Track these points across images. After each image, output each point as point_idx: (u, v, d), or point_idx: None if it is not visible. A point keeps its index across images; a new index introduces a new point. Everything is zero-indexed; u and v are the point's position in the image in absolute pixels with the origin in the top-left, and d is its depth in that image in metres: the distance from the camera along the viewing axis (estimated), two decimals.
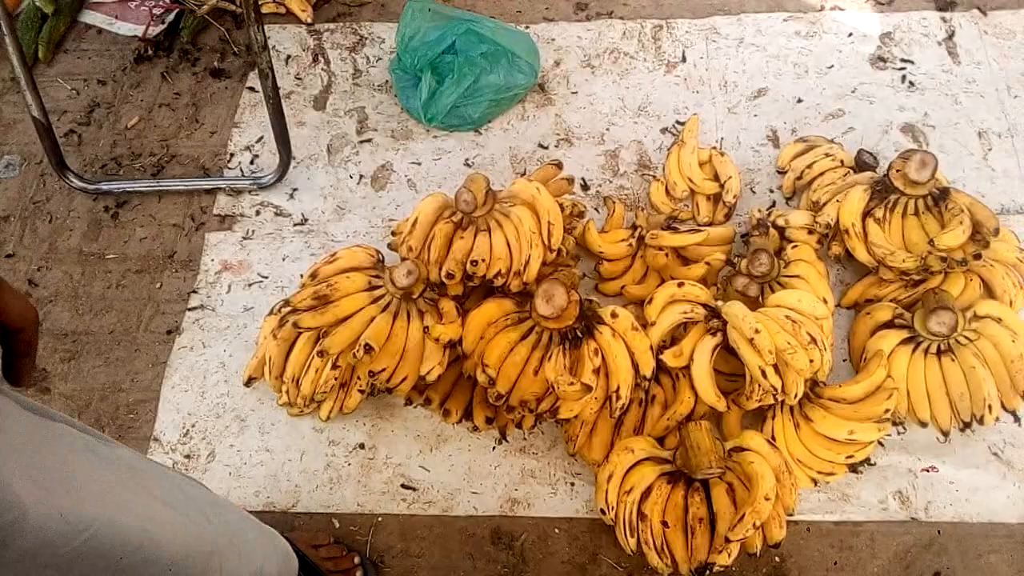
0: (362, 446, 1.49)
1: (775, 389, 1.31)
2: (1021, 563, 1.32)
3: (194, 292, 1.68)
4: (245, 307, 1.65)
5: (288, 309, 1.41)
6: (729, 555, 1.26)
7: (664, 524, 1.29)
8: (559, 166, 1.57)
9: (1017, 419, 1.41)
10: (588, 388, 1.27)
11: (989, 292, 1.45)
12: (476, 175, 1.44)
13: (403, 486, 1.45)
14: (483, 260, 1.38)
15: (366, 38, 1.97)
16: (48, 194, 1.83)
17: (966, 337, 1.38)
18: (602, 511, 1.33)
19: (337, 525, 1.43)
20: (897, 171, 1.45)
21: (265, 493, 1.46)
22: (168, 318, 1.66)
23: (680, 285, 1.41)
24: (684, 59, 1.88)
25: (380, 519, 1.43)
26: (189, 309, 1.66)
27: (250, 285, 1.68)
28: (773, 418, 1.38)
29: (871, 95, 1.79)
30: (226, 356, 1.60)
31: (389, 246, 1.54)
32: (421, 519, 1.42)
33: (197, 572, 0.75)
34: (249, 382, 1.51)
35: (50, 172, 1.81)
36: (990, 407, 1.34)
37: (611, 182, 1.74)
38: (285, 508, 1.45)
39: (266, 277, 1.68)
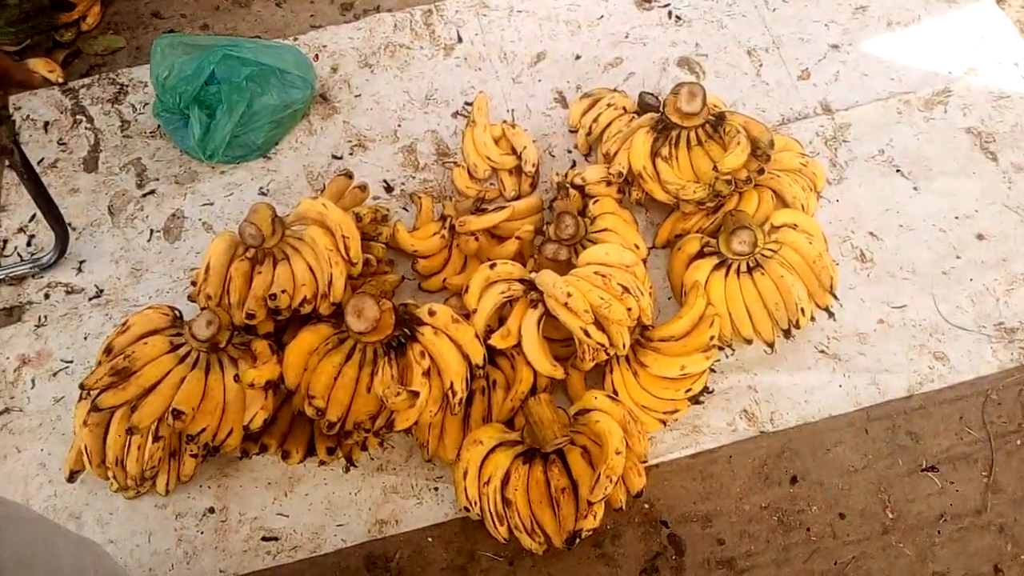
0: (212, 510, 1.40)
1: (602, 345, 1.31)
2: (865, 446, 1.39)
3: None
4: (55, 398, 1.52)
5: (86, 391, 1.30)
6: (595, 517, 1.26)
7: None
8: (349, 176, 1.52)
9: (831, 314, 1.47)
10: (415, 395, 1.23)
11: (782, 201, 1.50)
12: (257, 205, 1.37)
13: (264, 539, 1.38)
14: (283, 291, 1.32)
15: (127, 86, 1.84)
16: None
17: (769, 249, 1.43)
18: (466, 508, 1.31)
19: None
20: (671, 106, 1.48)
21: None
22: None
23: (492, 266, 1.39)
24: (460, 39, 1.86)
25: None
26: None
27: (55, 374, 1.54)
28: (611, 372, 1.39)
29: (643, 37, 1.83)
30: (44, 455, 1.47)
31: (189, 298, 1.45)
32: (290, 567, 1.36)
33: None
34: (72, 477, 1.39)
35: None
36: (802, 310, 1.39)
37: (414, 178, 1.70)
38: None
39: (70, 362, 1.55)
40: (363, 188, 1.53)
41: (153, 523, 1.39)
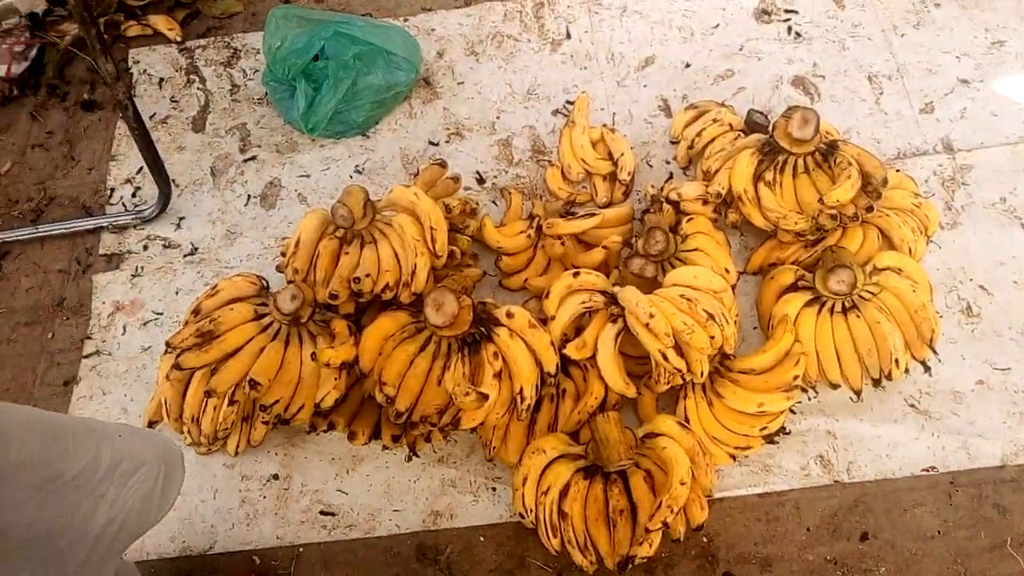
0: (276, 477, 1.44)
1: (680, 370, 1.28)
2: (946, 512, 1.32)
3: (88, 338, 1.60)
4: (143, 347, 1.58)
5: (172, 350, 1.34)
6: (651, 545, 1.24)
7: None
8: (443, 165, 1.52)
9: (927, 368, 1.39)
10: (484, 397, 1.23)
11: (888, 242, 1.43)
12: (352, 188, 1.38)
13: (322, 512, 1.40)
14: (367, 276, 1.33)
15: (240, 50, 1.88)
16: None
17: (869, 292, 1.36)
18: (521, 515, 1.30)
19: (258, 561, 1.38)
20: (780, 130, 1.42)
21: (181, 538, 1.41)
22: (64, 368, 1.59)
23: (576, 275, 1.36)
24: (568, 35, 1.83)
25: (301, 550, 1.38)
26: (85, 357, 1.58)
27: (145, 324, 1.60)
28: (685, 398, 1.35)
29: (759, 51, 1.76)
30: (127, 401, 1.53)
31: (277, 268, 1.48)
32: (343, 544, 1.38)
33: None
34: (151, 426, 1.45)
35: None
36: (896, 361, 1.32)
37: (507, 172, 1.69)
38: (203, 551, 1.39)
39: (161, 314, 1.61)
40: (456, 179, 1.52)
41: (220, 481, 1.44)
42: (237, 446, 1.42)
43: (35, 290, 1.67)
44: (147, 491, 0.85)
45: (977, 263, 1.49)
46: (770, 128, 1.48)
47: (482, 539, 1.37)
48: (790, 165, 1.43)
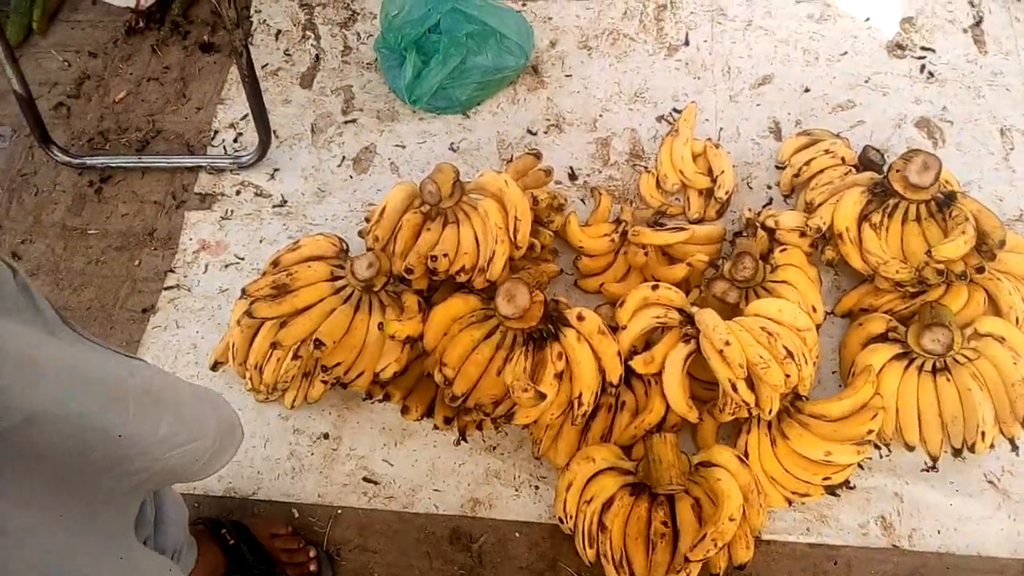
0: (326, 436, 1.45)
1: (748, 404, 1.22)
2: None
3: (171, 271, 1.65)
4: (220, 288, 1.62)
5: (246, 296, 1.37)
6: (688, 575, 1.20)
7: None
8: (538, 156, 1.49)
9: (1015, 447, 1.30)
10: (542, 396, 1.21)
11: (994, 307, 1.33)
12: (443, 165, 1.37)
13: (365, 479, 1.41)
14: (445, 255, 1.32)
15: (358, 13, 1.90)
16: (36, 167, 1.82)
17: (964, 356, 1.28)
18: (560, 520, 1.28)
19: (296, 515, 1.41)
20: (897, 172, 1.34)
21: (227, 478, 1.44)
22: (144, 296, 1.64)
23: (654, 288, 1.33)
24: (687, 42, 1.77)
25: (339, 511, 1.40)
26: (165, 288, 1.63)
27: (226, 266, 1.64)
28: (748, 432, 1.30)
29: (886, 86, 1.67)
30: (198, 338, 1.57)
31: (359, 233, 1.49)
32: (381, 514, 1.39)
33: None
34: (215, 366, 1.48)
35: (37, 145, 1.79)
36: (983, 434, 1.24)
37: (600, 172, 1.66)
38: (246, 495, 1.42)
39: (242, 259, 1.64)
40: (548, 172, 1.50)
41: (273, 431, 1.47)
42: (294, 400, 1.44)
43: (130, 217, 1.73)
44: (192, 459, 0.84)
45: None
46: (885, 168, 1.40)
47: (517, 535, 1.35)
48: (900, 210, 1.35)
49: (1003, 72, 1.66)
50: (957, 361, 1.28)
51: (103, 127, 1.85)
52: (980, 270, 1.27)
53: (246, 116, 1.81)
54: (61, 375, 0.66)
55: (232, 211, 1.70)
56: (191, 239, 1.68)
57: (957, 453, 1.27)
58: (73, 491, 0.72)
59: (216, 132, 1.81)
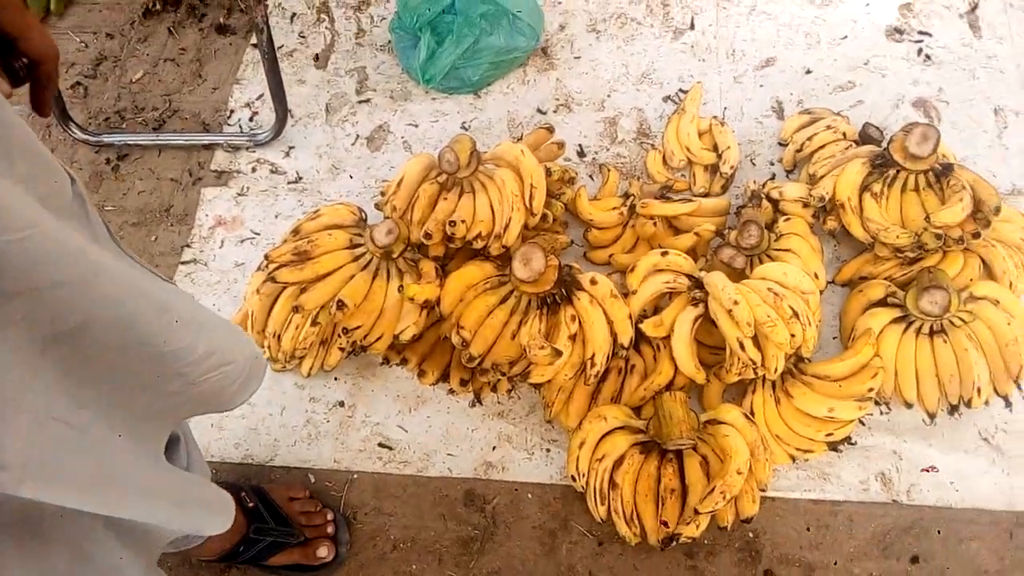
0: (342, 404, 1.49)
1: (754, 363, 1.27)
2: (1005, 551, 1.28)
3: (187, 246, 1.69)
4: (236, 263, 1.66)
5: (267, 263, 1.41)
6: (697, 527, 1.24)
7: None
8: (550, 130, 1.54)
9: (1009, 404, 1.35)
10: (558, 353, 1.25)
11: (989, 273, 1.39)
12: (461, 136, 1.42)
13: (380, 445, 1.45)
14: (462, 221, 1.37)
15: None
16: (53, 144, 1.85)
17: (960, 319, 1.33)
18: (573, 478, 1.32)
19: (313, 480, 1.44)
20: (898, 144, 1.39)
21: (244, 446, 1.48)
22: (161, 271, 1.61)
23: (664, 254, 1.38)
24: (692, 26, 1.83)
25: (355, 476, 1.43)
26: (182, 263, 1.67)
27: (242, 241, 1.68)
28: (753, 392, 1.35)
29: (884, 68, 1.73)
30: (215, 310, 1.61)
31: (376, 206, 1.53)
32: (396, 478, 1.43)
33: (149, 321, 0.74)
34: None
35: (56, 123, 1.83)
36: (979, 390, 1.29)
37: (608, 150, 1.71)
38: (263, 461, 1.46)
39: (258, 234, 1.68)
40: (560, 145, 1.55)
41: (289, 399, 1.50)
42: (311, 368, 1.48)
43: (146, 194, 1.77)
44: (224, 386, 0.87)
45: None
46: (885, 143, 1.46)
47: (530, 496, 1.39)
48: (900, 180, 1.40)
49: (997, 56, 1.72)
50: (953, 323, 1.33)
51: (120, 106, 1.89)
52: (976, 236, 1.32)
53: (261, 96, 1.85)
54: (116, 278, 0.68)
55: (248, 188, 1.74)
56: (207, 215, 1.72)
57: (954, 410, 1.32)
58: (117, 404, 0.75)
59: (232, 112, 1.85)
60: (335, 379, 1.52)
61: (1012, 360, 1.30)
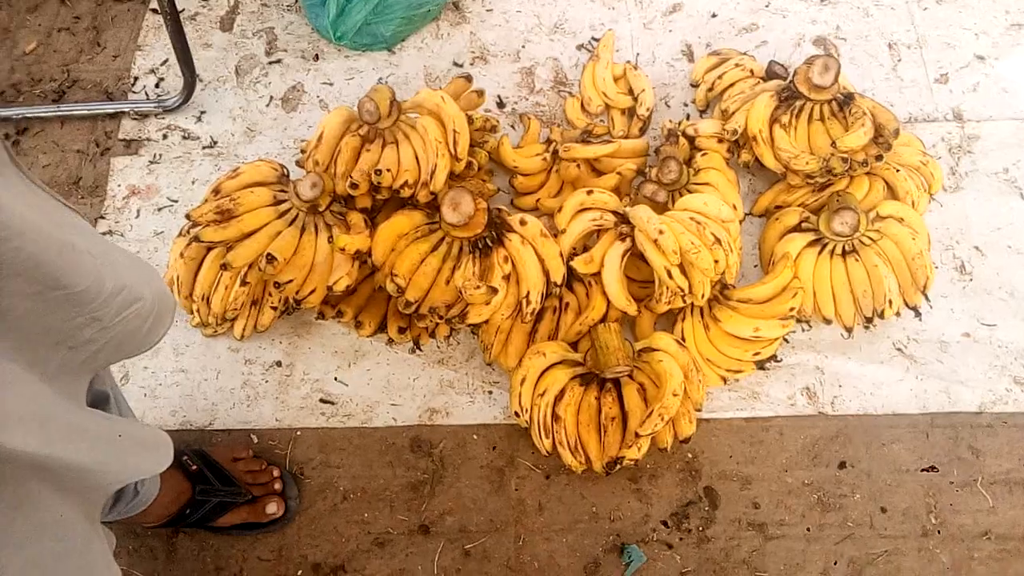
0: (279, 363, 1.47)
1: (682, 290, 1.32)
2: (922, 450, 1.38)
3: (102, 218, 1.62)
4: (155, 232, 1.61)
5: (190, 224, 1.37)
6: (639, 449, 1.29)
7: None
8: (469, 79, 1.54)
9: (918, 314, 1.45)
10: (494, 291, 1.27)
11: (893, 194, 1.48)
12: (379, 86, 1.41)
13: (321, 400, 1.44)
14: (388, 170, 1.36)
15: None
16: None
17: (869, 237, 1.41)
18: (516, 414, 1.34)
19: (256, 440, 1.42)
20: (801, 76, 1.46)
21: (181, 412, 1.44)
22: None
23: (589, 193, 1.40)
24: None
25: (299, 433, 1.42)
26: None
27: (159, 210, 1.63)
28: (683, 320, 1.40)
29: (784, 9, 1.80)
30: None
31: (297, 163, 1.51)
32: (340, 431, 1.42)
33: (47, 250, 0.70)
34: None
35: None
36: (890, 302, 1.38)
37: (527, 99, 1.72)
38: (202, 426, 1.43)
39: (175, 201, 1.63)
40: (480, 94, 1.55)
41: (224, 363, 1.47)
42: (244, 330, 1.45)
43: (52, 167, 1.69)
44: (136, 327, 0.84)
45: (974, 226, 1.54)
46: (790, 77, 1.52)
47: (475, 437, 1.41)
48: (806, 111, 1.47)
49: None
50: (863, 243, 1.41)
51: (14, 79, 1.79)
52: (879, 159, 1.40)
53: (166, 62, 1.79)
54: (11, 221, 0.64)
55: (160, 155, 1.68)
56: (120, 185, 1.65)
57: (868, 322, 1.41)
58: (34, 360, 0.72)
59: (136, 79, 1.78)
60: (270, 340, 1.49)
61: (918, 272, 1.39)
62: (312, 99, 1.73)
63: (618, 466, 1.29)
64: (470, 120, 1.51)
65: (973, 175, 1.59)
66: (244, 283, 1.39)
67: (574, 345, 1.40)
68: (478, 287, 1.26)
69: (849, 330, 1.43)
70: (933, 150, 1.61)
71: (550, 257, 1.35)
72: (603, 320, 1.40)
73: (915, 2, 1.80)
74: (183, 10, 1.83)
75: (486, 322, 1.35)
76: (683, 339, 1.38)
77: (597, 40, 1.75)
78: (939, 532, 1.31)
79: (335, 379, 1.45)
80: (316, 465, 1.40)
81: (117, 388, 1.10)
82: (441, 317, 1.32)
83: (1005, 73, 1.71)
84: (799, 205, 1.49)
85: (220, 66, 1.78)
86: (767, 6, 1.81)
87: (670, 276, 1.31)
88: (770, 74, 1.62)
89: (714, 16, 1.80)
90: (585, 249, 1.43)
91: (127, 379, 1.47)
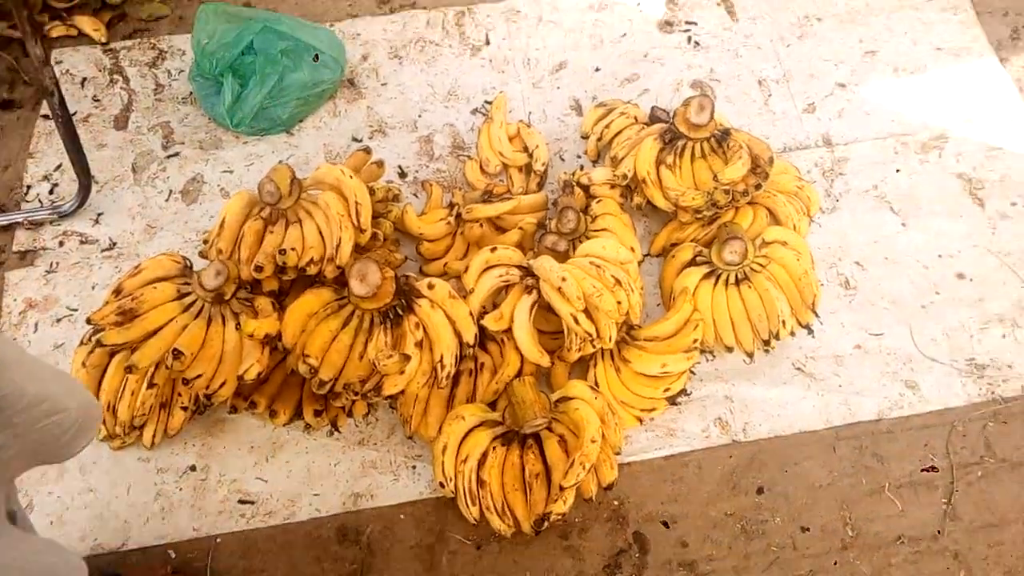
0: (193, 468, 1.43)
1: (589, 335, 1.36)
2: (832, 463, 1.43)
3: None
4: (55, 344, 1.56)
5: (92, 330, 1.35)
6: (565, 502, 1.30)
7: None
8: (368, 151, 1.58)
9: (811, 332, 1.53)
10: (407, 358, 1.28)
11: (775, 220, 1.56)
12: (279, 166, 1.43)
13: (240, 501, 1.40)
14: (292, 249, 1.37)
15: (165, 52, 1.92)
16: None
17: (758, 263, 1.49)
18: (441, 484, 1.34)
19: (174, 555, 1.37)
20: (680, 116, 1.55)
21: (92, 535, 1.38)
22: None
23: (493, 250, 1.44)
24: (488, 42, 1.93)
25: (219, 540, 1.38)
26: None
27: (59, 320, 1.59)
28: (595, 366, 1.44)
29: (662, 57, 1.90)
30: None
31: (200, 254, 1.50)
32: (262, 532, 1.38)
33: None
34: None
35: None
36: (784, 322, 1.45)
37: (428, 167, 1.77)
38: (115, 548, 1.37)
39: (75, 310, 1.60)
40: (379, 164, 1.59)
41: (134, 475, 1.43)
42: (154, 436, 1.41)
43: None
44: (57, 435, 0.85)
45: (853, 242, 1.65)
46: (671, 118, 1.61)
47: (402, 516, 1.40)
48: (688, 150, 1.55)
49: (753, 34, 1.94)
50: (754, 269, 1.49)
51: None
52: (758, 187, 1.49)
53: (60, 167, 1.77)
54: None
55: (57, 263, 1.65)
56: (15, 300, 1.61)
57: (766, 344, 1.47)
58: None
59: (29, 187, 1.75)
60: (182, 444, 1.45)
61: (805, 290, 1.48)
62: (213, 189, 1.74)
63: (546, 523, 1.30)
64: (372, 191, 1.54)
65: (847, 195, 1.70)
66: (151, 385, 1.36)
67: (492, 405, 1.42)
68: (391, 356, 1.28)
69: (750, 355, 1.49)
70: (808, 175, 1.71)
71: (461, 318, 1.38)
72: (519, 375, 1.42)
73: (779, 40, 1.93)
74: (75, 113, 1.83)
75: (403, 393, 1.35)
76: (597, 384, 1.41)
77: (490, 103, 1.81)
78: (857, 543, 1.36)
79: (254, 477, 1.42)
80: (239, 572, 1.35)
81: (23, 510, 1.06)
82: (356, 393, 1.32)
83: (866, 97, 1.84)
84: (692, 240, 1.56)
85: (116, 165, 1.77)
86: (645, 56, 1.91)
87: (577, 322, 1.35)
88: (653, 119, 1.70)
89: (597, 70, 1.89)
90: (495, 307, 1.46)
91: (31, 507, 1.40)
